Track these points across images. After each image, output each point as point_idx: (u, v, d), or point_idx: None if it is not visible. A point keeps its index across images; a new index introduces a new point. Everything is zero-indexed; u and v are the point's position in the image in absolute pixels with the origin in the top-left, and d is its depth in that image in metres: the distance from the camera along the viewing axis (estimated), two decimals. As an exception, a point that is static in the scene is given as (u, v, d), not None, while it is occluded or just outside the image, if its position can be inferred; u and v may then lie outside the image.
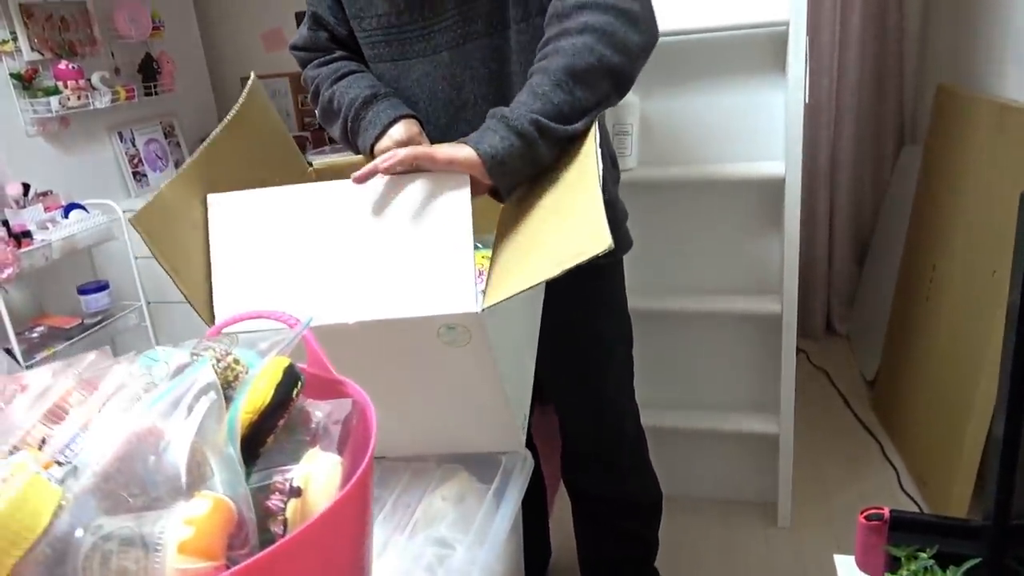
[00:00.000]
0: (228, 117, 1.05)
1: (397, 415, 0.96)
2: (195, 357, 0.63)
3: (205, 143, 1.02)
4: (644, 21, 1.03)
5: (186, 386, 0.55)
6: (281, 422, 0.60)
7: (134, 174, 2.58)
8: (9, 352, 1.99)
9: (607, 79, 1.00)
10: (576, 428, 1.44)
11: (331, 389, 0.70)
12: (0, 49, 2.15)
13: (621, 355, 1.38)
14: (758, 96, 1.65)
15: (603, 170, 1.06)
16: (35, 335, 2.18)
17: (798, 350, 2.64)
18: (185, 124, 2.82)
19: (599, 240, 0.79)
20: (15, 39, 2.17)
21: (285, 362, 0.64)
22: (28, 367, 2.05)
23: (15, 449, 0.57)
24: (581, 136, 0.98)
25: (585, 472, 1.49)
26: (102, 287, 2.32)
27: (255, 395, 0.59)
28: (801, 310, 2.74)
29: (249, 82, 1.14)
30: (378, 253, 0.92)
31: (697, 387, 1.92)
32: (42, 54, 2.23)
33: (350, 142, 1.18)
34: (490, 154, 0.93)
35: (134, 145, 2.60)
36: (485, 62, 1.11)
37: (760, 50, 1.61)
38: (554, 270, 0.80)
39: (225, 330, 0.76)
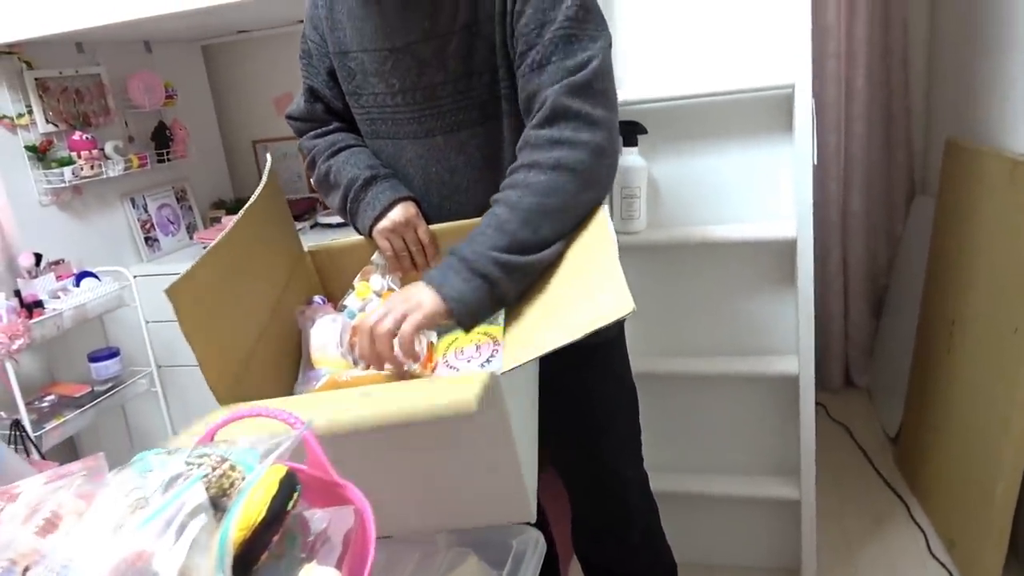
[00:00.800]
0: (251, 202, 1.06)
1: (404, 490, 0.92)
2: (189, 467, 0.61)
3: (229, 227, 1.02)
4: (612, 152, 1.04)
5: (176, 507, 0.53)
6: (275, 537, 0.58)
7: (146, 239, 2.60)
8: (18, 424, 1.98)
9: (579, 211, 1.00)
10: (581, 499, 1.40)
11: (331, 492, 0.67)
12: (16, 123, 2.19)
13: (624, 423, 1.35)
14: (766, 156, 1.64)
15: None
16: (45, 404, 2.17)
17: (816, 404, 2.60)
18: (197, 188, 2.85)
19: (623, 303, 0.79)
20: (30, 112, 2.21)
21: (282, 470, 0.61)
22: (37, 437, 2.04)
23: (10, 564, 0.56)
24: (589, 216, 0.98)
25: (595, 545, 1.45)
26: (113, 354, 2.31)
27: (249, 509, 0.57)
28: (818, 362, 2.70)
29: (266, 168, 1.14)
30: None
31: (713, 451, 1.88)
32: (57, 126, 2.27)
33: (348, 218, 1.19)
34: (455, 298, 0.93)
35: (146, 211, 2.62)
36: (479, 148, 1.12)
37: (766, 111, 1.61)
38: (577, 333, 0.79)
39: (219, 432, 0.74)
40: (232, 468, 0.62)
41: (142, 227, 2.59)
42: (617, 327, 1.29)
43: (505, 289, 0.96)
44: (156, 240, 2.65)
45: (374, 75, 1.13)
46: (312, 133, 1.25)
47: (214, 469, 0.61)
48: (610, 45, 1.05)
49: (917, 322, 2.27)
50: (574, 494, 1.40)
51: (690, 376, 1.78)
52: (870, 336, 2.73)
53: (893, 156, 2.55)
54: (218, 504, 0.59)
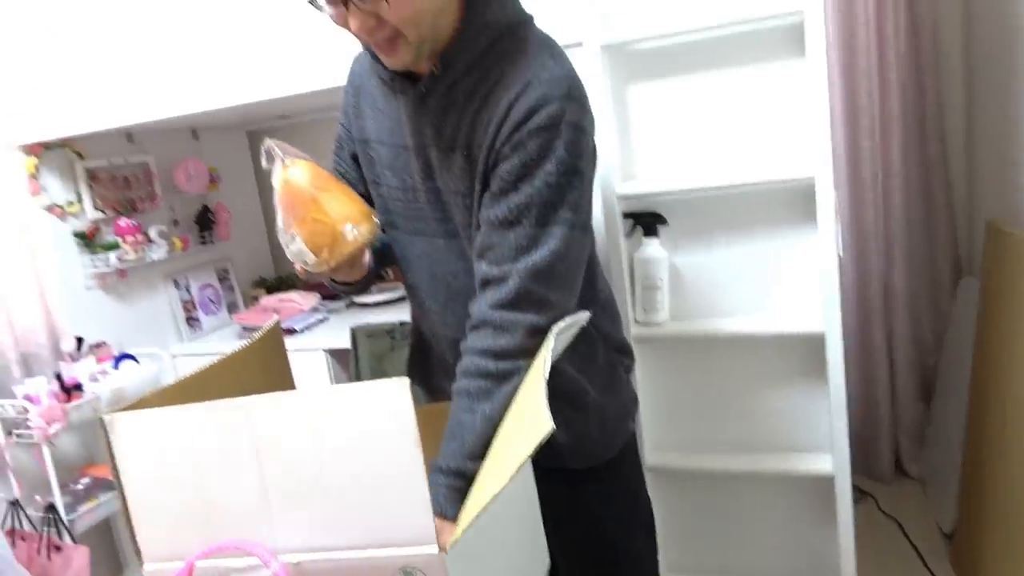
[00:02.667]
0: (238, 348, 1.05)
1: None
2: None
3: (207, 365, 1.00)
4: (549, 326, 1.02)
5: None
6: None
7: (187, 319, 2.67)
8: (51, 507, 2.02)
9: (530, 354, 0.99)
10: None
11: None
12: (66, 211, 2.29)
13: (641, 545, 1.28)
14: (790, 247, 1.60)
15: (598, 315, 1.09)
16: (80, 487, 2.20)
17: (865, 494, 2.47)
18: (239, 268, 2.92)
19: (542, 426, 0.73)
20: (80, 200, 2.32)
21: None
22: (70, 520, 2.07)
23: None
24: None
25: None
26: (148, 434, 2.35)
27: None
28: (866, 451, 2.59)
29: (270, 322, 1.15)
30: (318, 477, 0.81)
31: (744, 552, 1.78)
32: (104, 212, 2.37)
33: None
34: (455, 512, 0.92)
35: (188, 291, 2.70)
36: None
37: (788, 202, 1.58)
38: (505, 476, 0.75)
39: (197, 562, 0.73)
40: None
41: (184, 307, 2.66)
42: (624, 438, 1.24)
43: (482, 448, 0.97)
44: (197, 320, 2.71)
45: (389, 168, 1.15)
46: None
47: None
48: (589, 205, 1.04)
49: (968, 408, 2.15)
50: None
51: (718, 473, 1.71)
52: (920, 421, 2.60)
53: (935, 235, 2.47)
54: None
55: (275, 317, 1.16)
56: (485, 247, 1.01)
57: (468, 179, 1.04)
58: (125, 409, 0.86)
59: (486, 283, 1.01)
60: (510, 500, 0.94)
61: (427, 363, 1.30)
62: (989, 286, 2.06)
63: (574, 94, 0.99)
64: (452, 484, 0.95)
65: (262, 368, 1.09)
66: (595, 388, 1.18)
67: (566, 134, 0.97)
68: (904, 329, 2.53)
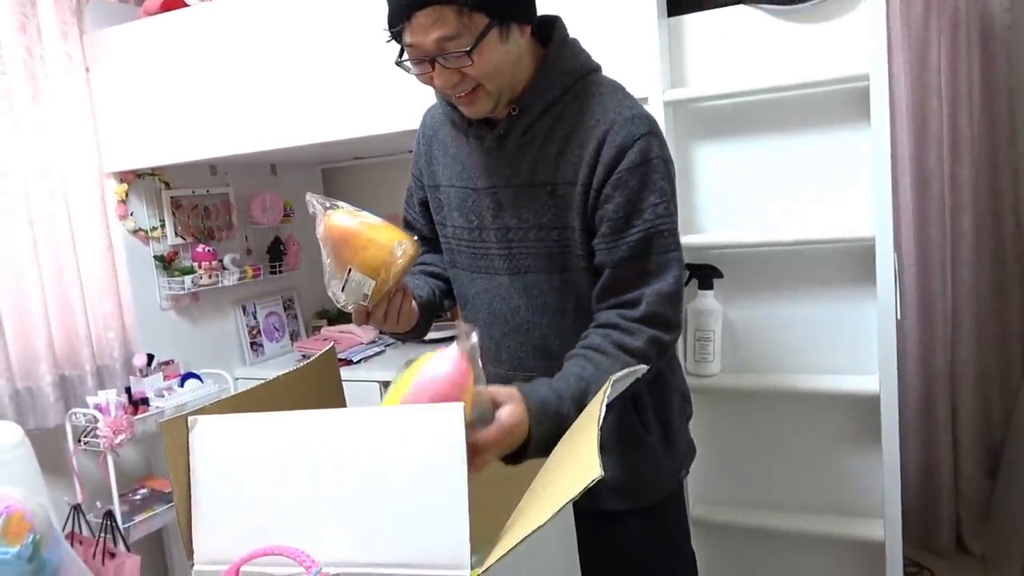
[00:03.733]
0: (293, 368, 1.09)
1: None
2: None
3: (263, 381, 1.05)
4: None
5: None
6: None
7: (251, 344, 2.77)
8: (110, 514, 2.10)
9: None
10: None
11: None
12: (150, 235, 2.43)
13: None
14: (847, 306, 1.59)
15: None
16: (138, 497, 2.29)
17: (923, 568, 2.36)
18: (305, 298, 3.03)
19: (590, 471, 0.74)
20: (163, 226, 2.46)
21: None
22: (126, 528, 2.15)
23: None
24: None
25: None
26: (206, 453, 2.43)
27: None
28: (925, 523, 2.48)
29: (326, 348, 1.19)
30: (363, 491, 0.85)
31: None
32: (184, 239, 2.51)
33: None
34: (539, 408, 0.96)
35: (255, 318, 2.81)
36: (543, 294, 1.15)
37: (847, 262, 1.57)
38: (547, 513, 0.76)
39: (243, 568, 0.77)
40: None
41: (249, 332, 2.77)
42: (674, 485, 1.24)
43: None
44: (261, 345, 2.81)
45: (456, 209, 1.20)
46: None
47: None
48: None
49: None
50: None
51: (765, 531, 1.68)
52: (985, 496, 2.49)
53: (1006, 303, 2.40)
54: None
55: (331, 343, 1.21)
56: (610, 285, 1.08)
57: (552, 213, 1.10)
58: (202, 412, 0.92)
59: (618, 305, 1.07)
60: (548, 537, 0.95)
61: None
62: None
63: (655, 130, 1.07)
64: (550, 410, 0.97)
65: (316, 388, 1.14)
66: (656, 429, 1.20)
67: (659, 167, 1.05)
68: (970, 401, 2.45)
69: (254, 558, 0.77)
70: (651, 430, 1.19)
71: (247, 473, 0.89)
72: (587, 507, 1.01)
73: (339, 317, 3.06)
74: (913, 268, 2.37)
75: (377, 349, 2.68)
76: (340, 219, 1.09)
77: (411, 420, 0.85)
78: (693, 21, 1.63)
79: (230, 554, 0.85)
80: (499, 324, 1.20)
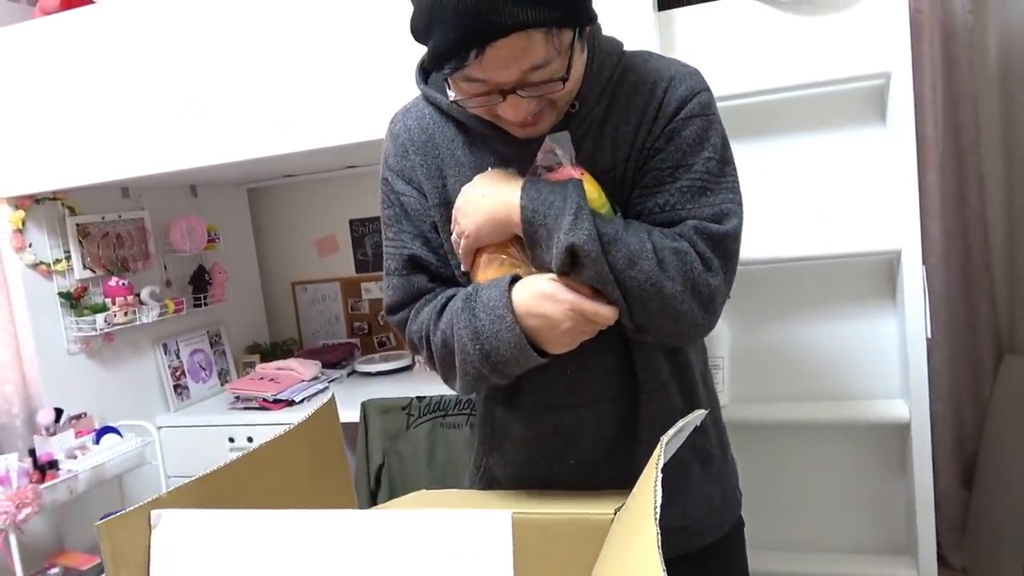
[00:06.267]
0: (290, 428, 0.89)
1: None
2: None
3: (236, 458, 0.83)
4: (711, 317, 0.93)
5: None
6: None
7: (175, 387, 2.47)
8: (15, 605, 1.77)
9: (657, 317, 0.88)
10: None
11: None
12: (52, 269, 2.11)
13: None
14: (865, 327, 1.47)
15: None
16: (48, 578, 1.96)
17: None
18: (233, 331, 2.74)
19: None
20: (68, 258, 2.14)
21: None
22: (35, 617, 1.82)
23: None
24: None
25: None
26: (128, 518, 2.11)
27: None
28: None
29: (323, 402, 0.98)
30: None
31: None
32: (94, 271, 2.20)
33: (482, 363, 0.91)
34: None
35: (178, 356, 2.50)
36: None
37: (868, 280, 1.46)
38: None
39: None
40: None
41: (172, 374, 2.46)
42: (737, 512, 1.14)
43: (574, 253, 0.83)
44: (186, 388, 2.51)
45: None
46: (415, 312, 1.02)
47: None
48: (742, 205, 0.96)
49: (1016, 494, 2.00)
50: None
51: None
52: (962, 508, 2.44)
53: (975, 313, 2.37)
54: None
55: (332, 395, 0.98)
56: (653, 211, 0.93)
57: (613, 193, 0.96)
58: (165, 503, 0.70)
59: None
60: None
61: (503, 446, 1.10)
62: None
63: (710, 88, 0.97)
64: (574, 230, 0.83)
65: (310, 452, 0.92)
66: (719, 452, 1.11)
67: (718, 125, 0.94)
68: (944, 412, 2.40)
69: None
70: (716, 453, 1.10)
71: None
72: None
73: (272, 352, 2.78)
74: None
75: (320, 386, 2.43)
76: None
77: (452, 523, 0.66)
78: (685, 16, 1.49)
79: None
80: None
